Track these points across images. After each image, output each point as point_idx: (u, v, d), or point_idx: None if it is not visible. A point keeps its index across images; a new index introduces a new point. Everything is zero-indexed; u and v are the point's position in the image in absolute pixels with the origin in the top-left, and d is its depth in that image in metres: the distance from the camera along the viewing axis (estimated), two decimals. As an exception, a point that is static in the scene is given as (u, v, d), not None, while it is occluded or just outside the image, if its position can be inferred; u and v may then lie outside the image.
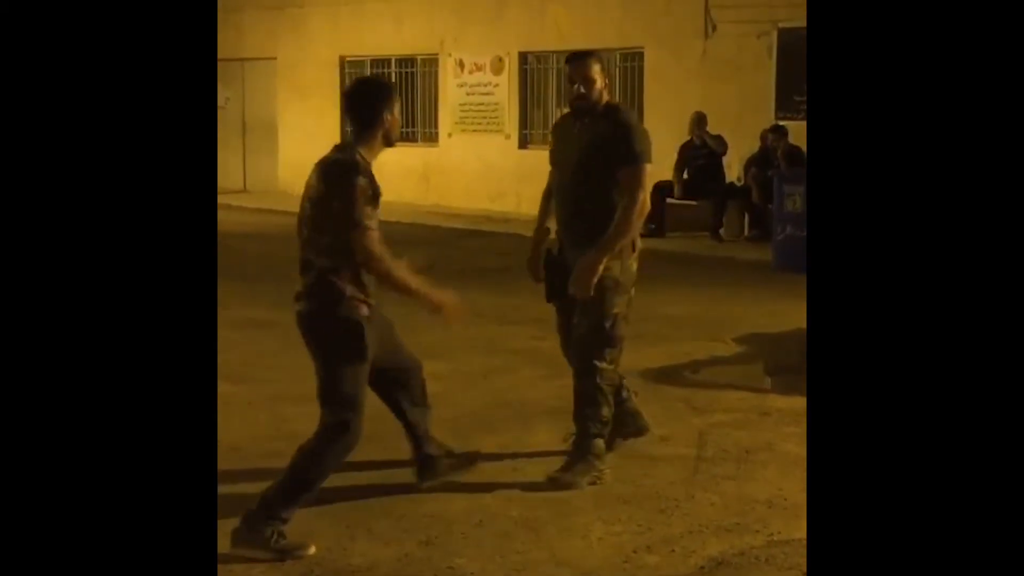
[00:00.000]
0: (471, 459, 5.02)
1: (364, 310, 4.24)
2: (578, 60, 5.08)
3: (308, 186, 4.32)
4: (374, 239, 4.16)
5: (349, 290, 4.20)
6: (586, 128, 5.04)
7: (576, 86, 5.04)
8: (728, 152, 13.64)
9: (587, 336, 4.97)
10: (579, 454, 4.98)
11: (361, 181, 4.18)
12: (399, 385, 4.74)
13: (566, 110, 5.43)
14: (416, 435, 4.83)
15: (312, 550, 4.16)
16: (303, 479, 4.21)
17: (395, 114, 4.41)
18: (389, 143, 4.44)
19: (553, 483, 4.89)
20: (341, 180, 4.17)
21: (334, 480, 4.49)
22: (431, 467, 4.83)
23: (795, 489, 4.86)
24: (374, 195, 4.24)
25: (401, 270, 4.29)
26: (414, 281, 4.33)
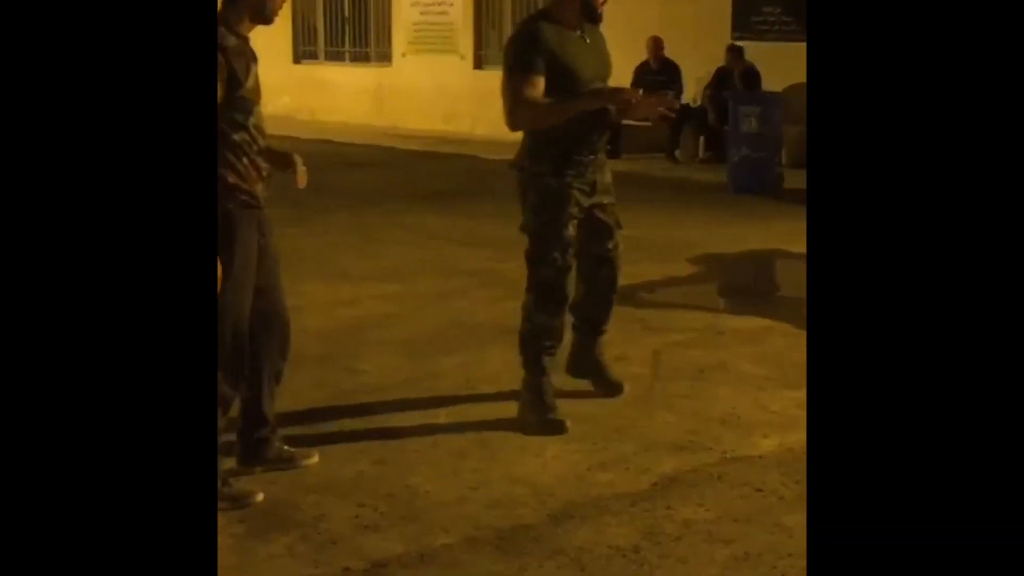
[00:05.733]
0: (297, 461, 4.27)
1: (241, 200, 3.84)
2: None
3: None
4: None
5: (231, 177, 3.80)
6: (593, 38, 4.71)
7: None
8: (681, 77, 13.53)
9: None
10: None
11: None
12: (265, 324, 4.08)
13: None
14: (255, 402, 4.16)
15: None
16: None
17: None
18: (262, 18, 3.88)
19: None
20: None
21: (285, 400, 4.47)
22: (258, 450, 4.20)
23: (748, 407, 4.90)
24: (230, 77, 3.74)
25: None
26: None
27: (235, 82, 3.77)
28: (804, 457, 4.34)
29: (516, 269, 7.69)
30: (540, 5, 17.39)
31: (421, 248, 8.57)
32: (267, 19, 3.90)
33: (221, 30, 3.76)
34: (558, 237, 4.61)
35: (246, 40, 3.89)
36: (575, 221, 4.66)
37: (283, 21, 18.47)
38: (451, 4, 16.92)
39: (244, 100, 3.81)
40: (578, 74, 4.56)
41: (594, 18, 4.66)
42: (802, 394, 5.08)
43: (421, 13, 17.33)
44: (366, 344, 5.92)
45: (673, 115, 4.85)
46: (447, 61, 16.95)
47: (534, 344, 4.73)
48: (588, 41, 4.66)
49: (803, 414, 4.81)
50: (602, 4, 4.66)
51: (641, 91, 4.75)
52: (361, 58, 18.39)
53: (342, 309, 6.45)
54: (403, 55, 17.64)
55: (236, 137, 3.82)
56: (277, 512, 3.89)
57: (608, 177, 4.84)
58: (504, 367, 5.43)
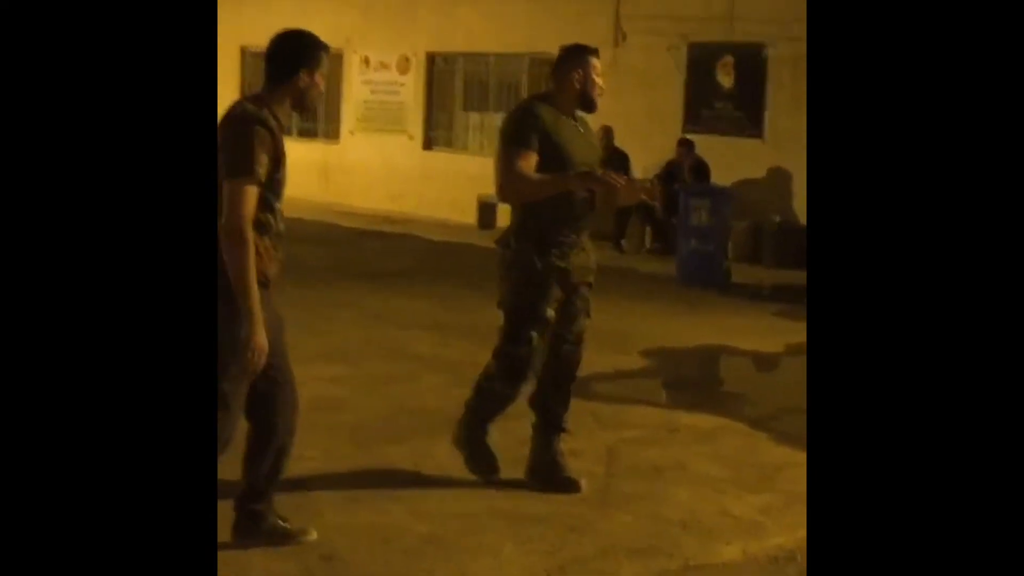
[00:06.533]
0: (296, 536, 4.20)
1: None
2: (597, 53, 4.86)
3: None
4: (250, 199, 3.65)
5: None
6: (584, 127, 4.94)
7: (598, 80, 4.84)
8: (629, 167, 13.57)
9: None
10: None
11: (260, 131, 3.71)
12: (274, 399, 4.03)
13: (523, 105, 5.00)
14: (256, 475, 4.13)
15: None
16: None
17: (315, 78, 3.91)
18: (302, 107, 3.96)
19: None
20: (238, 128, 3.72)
21: (229, 487, 4.25)
22: (253, 523, 4.15)
23: (708, 511, 4.76)
24: (277, 156, 3.75)
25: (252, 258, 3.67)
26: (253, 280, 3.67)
27: (278, 164, 3.78)
28: (768, 566, 4.22)
29: (463, 354, 7.59)
30: (490, 90, 17.56)
31: (366, 329, 8.40)
32: (306, 107, 3.98)
33: (266, 112, 3.79)
34: (537, 317, 4.70)
35: (283, 127, 3.89)
36: (555, 304, 4.72)
37: (230, 90, 18.39)
38: (402, 84, 16.92)
39: (279, 183, 3.84)
40: (571, 157, 4.70)
41: (590, 107, 4.85)
42: (763, 498, 4.96)
43: (372, 92, 17.31)
44: (313, 428, 5.69)
45: (654, 203, 5.00)
46: (395, 141, 16.91)
47: (486, 406, 4.85)
48: (581, 130, 4.86)
49: (765, 520, 4.69)
50: (599, 95, 4.82)
51: (626, 176, 4.89)
52: (309, 134, 18.29)
53: (287, 391, 6.24)
54: (351, 132, 17.57)
55: (262, 217, 3.78)
56: (219, 610, 3.67)
57: (592, 261, 5.00)
58: (453, 458, 5.26)
